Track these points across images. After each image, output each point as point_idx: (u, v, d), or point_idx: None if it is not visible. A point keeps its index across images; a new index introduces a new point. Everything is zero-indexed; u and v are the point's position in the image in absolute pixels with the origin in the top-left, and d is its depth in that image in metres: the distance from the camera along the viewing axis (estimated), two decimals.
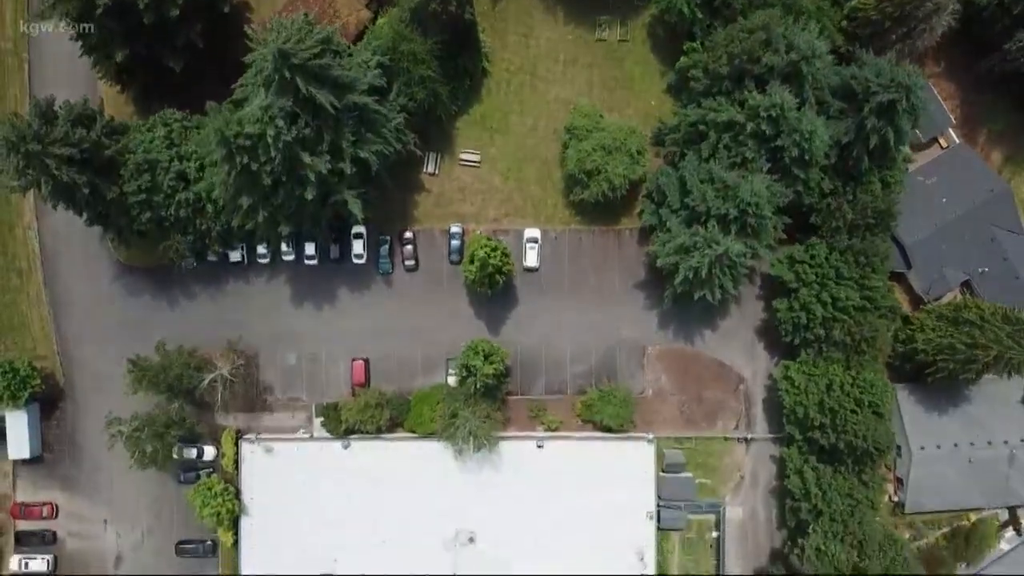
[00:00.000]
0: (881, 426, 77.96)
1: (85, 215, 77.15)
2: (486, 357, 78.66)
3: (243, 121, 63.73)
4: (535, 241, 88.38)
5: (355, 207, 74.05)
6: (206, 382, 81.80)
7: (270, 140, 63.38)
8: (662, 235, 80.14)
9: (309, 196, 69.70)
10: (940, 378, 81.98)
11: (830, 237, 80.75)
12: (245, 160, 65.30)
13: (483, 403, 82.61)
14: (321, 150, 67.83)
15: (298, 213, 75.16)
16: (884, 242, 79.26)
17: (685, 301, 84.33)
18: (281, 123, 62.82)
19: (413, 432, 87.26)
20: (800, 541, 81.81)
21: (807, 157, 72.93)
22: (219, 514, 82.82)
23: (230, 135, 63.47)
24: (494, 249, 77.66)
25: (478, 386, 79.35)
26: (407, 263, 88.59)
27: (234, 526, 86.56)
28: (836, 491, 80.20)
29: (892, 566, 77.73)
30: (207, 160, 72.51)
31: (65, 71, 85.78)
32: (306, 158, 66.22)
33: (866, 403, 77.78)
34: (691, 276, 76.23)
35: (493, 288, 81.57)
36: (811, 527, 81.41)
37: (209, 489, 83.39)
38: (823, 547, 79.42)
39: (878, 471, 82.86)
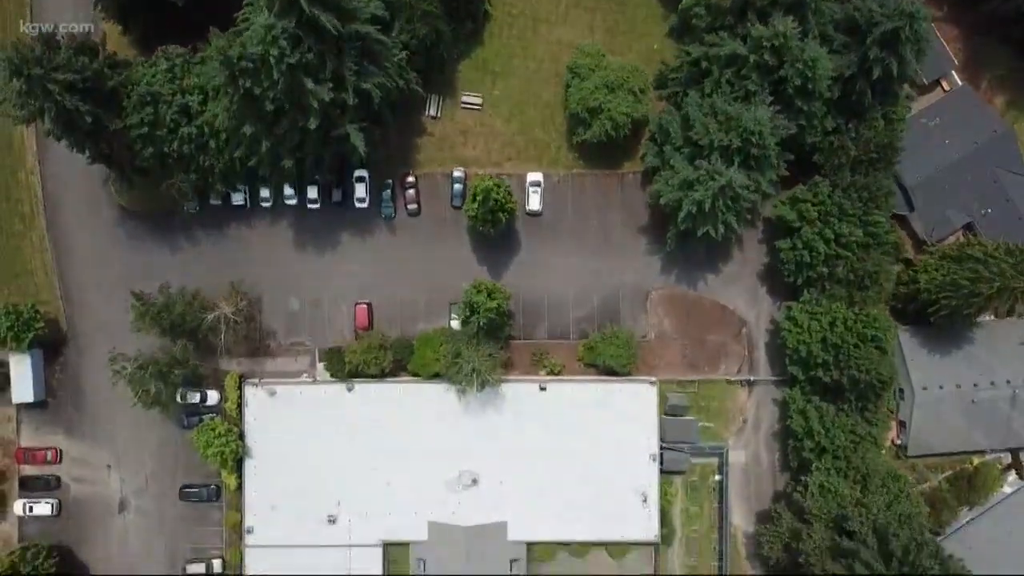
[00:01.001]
0: (884, 360, 78.04)
1: (88, 152, 77.07)
2: (489, 294, 78.73)
3: (246, 43, 63.67)
4: (537, 185, 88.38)
5: (357, 140, 73.97)
6: (209, 319, 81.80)
7: (273, 62, 63.34)
8: (665, 172, 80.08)
9: (312, 126, 69.66)
10: (943, 316, 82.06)
11: (833, 175, 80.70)
12: (248, 84, 65.31)
13: (486, 343, 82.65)
14: (324, 78, 67.79)
15: (301, 147, 75.14)
16: (887, 178, 79.18)
17: (688, 244, 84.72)
18: (284, 44, 62.73)
19: (416, 375, 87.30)
20: (803, 478, 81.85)
21: (810, 87, 72.86)
22: (223, 454, 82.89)
23: (233, 56, 63.42)
24: (497, 185, 77.65)
25: (481, 324, 79.37)
26: (409, 207, 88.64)
27: (238, 469, 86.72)
28: (839, 428, 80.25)
29: (895, 502, 77.66)
30: (210, 90, 72.47)
31: (69, 11, 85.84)
32: (309, 84, 66.17)
33: (869, 337, 77.83)
34: (694, 211, 76.21)
35: (496, 227, 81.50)
36: (814, 465, 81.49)
37: (212, 430, 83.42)
38: (826, 483, 79.50)
39: (881, 408, 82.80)
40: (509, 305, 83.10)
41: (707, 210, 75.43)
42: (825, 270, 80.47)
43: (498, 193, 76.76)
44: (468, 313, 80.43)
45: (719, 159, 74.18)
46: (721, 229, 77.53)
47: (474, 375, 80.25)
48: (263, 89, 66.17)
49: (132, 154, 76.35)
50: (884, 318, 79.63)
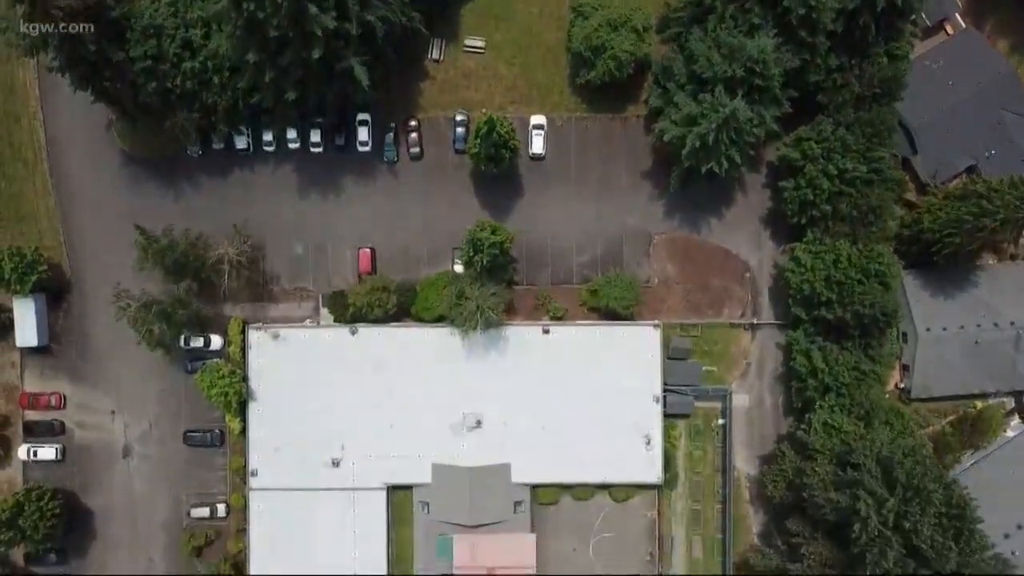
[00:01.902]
0: (888, 295, 78.08)
1: (91, 90, 76.91)
2: (493, 231, 78.74)
3: None
4: (541, 128, 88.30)
5: (360, 74, 73.93)
6: (213, 257, 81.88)
7: None
8: (669, 110, 79.99)
9: (315, 55, 69.58)
10: (947, 255, 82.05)
11: (836, 113, 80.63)
12: (251, 8, 65.23)
13: (490, 283, 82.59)
14: (327, 5, 67.74)
15: (304, 83, 75.06)
16: (891, 113, 79.03)
17: (691, 186, 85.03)
18: None
19: (420, 319, 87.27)
20: (808, 415, 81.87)
21: (814, 16, 72.62)
22: (226, 395, 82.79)
23: None
24: (500, 120, 77.49)
25: (485, 263, 79.29)
26: (412, 151, 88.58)
27: (241, 412, 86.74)
28: (843, 366, 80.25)
29: (899, 437, 77.71)
30: (213, 23, 72.46)
31: None
32: (312, 9, 66.07)
33: (873, 272, 77.85)
34: (698, 145, 76.10)
35: (499, 165, 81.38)
36: (817, 404, 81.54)
37: (216, 371, 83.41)
38: (829, 420, 79.60)
39: (884, 346, 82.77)
40: (512, 246, 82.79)
41: (710, 144, 75.36)
42: (828, 208, 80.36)
43: (502, 127, 76.61)
44: (471, 252, 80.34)
45: (723, 91, 74.07)
46: (724, 165, 77.46)
47: (478, 313, 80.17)
48: (266, 14, 66.08)
49: (135, 90, 76.25)
50: (888, 253, 79.64)
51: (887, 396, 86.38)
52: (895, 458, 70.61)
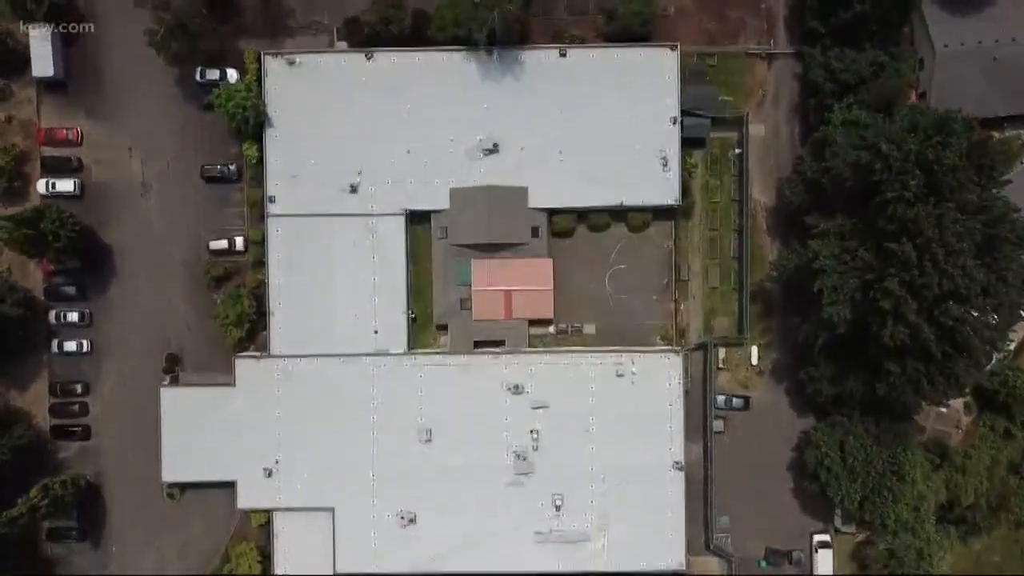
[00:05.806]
0: None
1: None
2: None
3: None
4: None
5: None
6: None
7: None
8: None
9: None
10: None
11: None
12: None
13: None
14: None
15: None
16: None
17: None
18: None
19: (436, 42, 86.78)
20: (828, 114, 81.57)
21: None
22: (244, 108, 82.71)
23: None
24: None
25: None
26: None
27: (258, 139, 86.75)
28: (861, 61, 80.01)
29: None
30: None
31: None
32: None
33: None
34: None
35: None
36: (835, 106, 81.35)
37: (234, 88, 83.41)
38: (849, 116, 79.40)
39: (904, 42, 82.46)
40: None
41: None
42: None
43: None
44: None
45: None
46: None
47: (495, 11, 79.29)
48: None
49: None
50: None
51: None
52: (917, 114, 70.42)
